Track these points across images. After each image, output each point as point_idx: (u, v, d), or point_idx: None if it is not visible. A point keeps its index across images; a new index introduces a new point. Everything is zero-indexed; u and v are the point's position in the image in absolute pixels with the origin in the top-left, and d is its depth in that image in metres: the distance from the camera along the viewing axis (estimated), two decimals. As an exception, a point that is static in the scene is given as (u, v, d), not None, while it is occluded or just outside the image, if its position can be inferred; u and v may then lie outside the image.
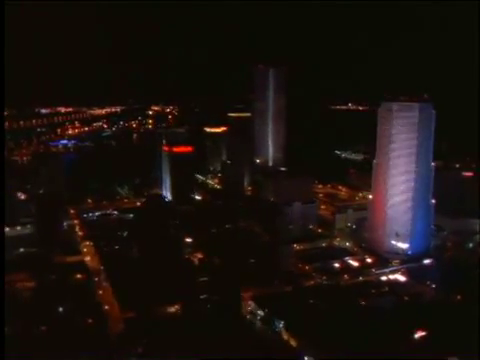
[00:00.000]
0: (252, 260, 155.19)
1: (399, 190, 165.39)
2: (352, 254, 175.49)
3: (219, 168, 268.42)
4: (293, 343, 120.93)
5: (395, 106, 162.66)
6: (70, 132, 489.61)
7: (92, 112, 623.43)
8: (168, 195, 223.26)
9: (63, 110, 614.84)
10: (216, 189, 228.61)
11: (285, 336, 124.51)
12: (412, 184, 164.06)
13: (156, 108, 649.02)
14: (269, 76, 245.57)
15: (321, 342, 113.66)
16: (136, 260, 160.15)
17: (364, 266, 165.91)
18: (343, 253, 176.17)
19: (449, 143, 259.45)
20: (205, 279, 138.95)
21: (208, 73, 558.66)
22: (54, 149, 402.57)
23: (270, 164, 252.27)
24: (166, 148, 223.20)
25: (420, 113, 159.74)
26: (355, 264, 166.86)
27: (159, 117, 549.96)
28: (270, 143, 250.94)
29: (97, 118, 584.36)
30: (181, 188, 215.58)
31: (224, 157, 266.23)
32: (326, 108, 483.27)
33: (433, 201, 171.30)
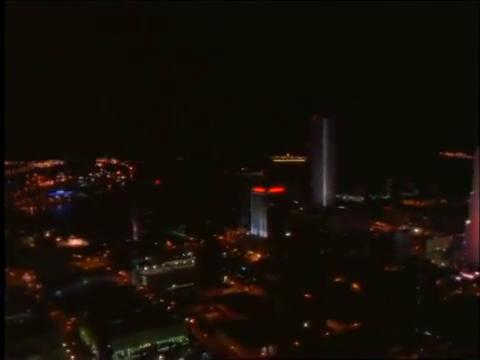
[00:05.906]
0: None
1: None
2: (456, 271, 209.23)
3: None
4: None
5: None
6: (41, 184, 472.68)
7: (36, 165, 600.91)
8: (261, 233, 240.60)
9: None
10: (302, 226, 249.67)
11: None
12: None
13: (103, 160, 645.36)
14: (322, 125, 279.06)
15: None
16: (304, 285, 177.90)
17: (478, 278, 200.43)
18: (448, 271, 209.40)
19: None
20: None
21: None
22: (52, 199, 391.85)
23: (324, 204, 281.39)
24: (260, 190, 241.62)
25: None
26: (470, 277, 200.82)
27: (123, 168, 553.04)
28: (324, 185, 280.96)
29: (46, 171, 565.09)
30: (278, 225, 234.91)
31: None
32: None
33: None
